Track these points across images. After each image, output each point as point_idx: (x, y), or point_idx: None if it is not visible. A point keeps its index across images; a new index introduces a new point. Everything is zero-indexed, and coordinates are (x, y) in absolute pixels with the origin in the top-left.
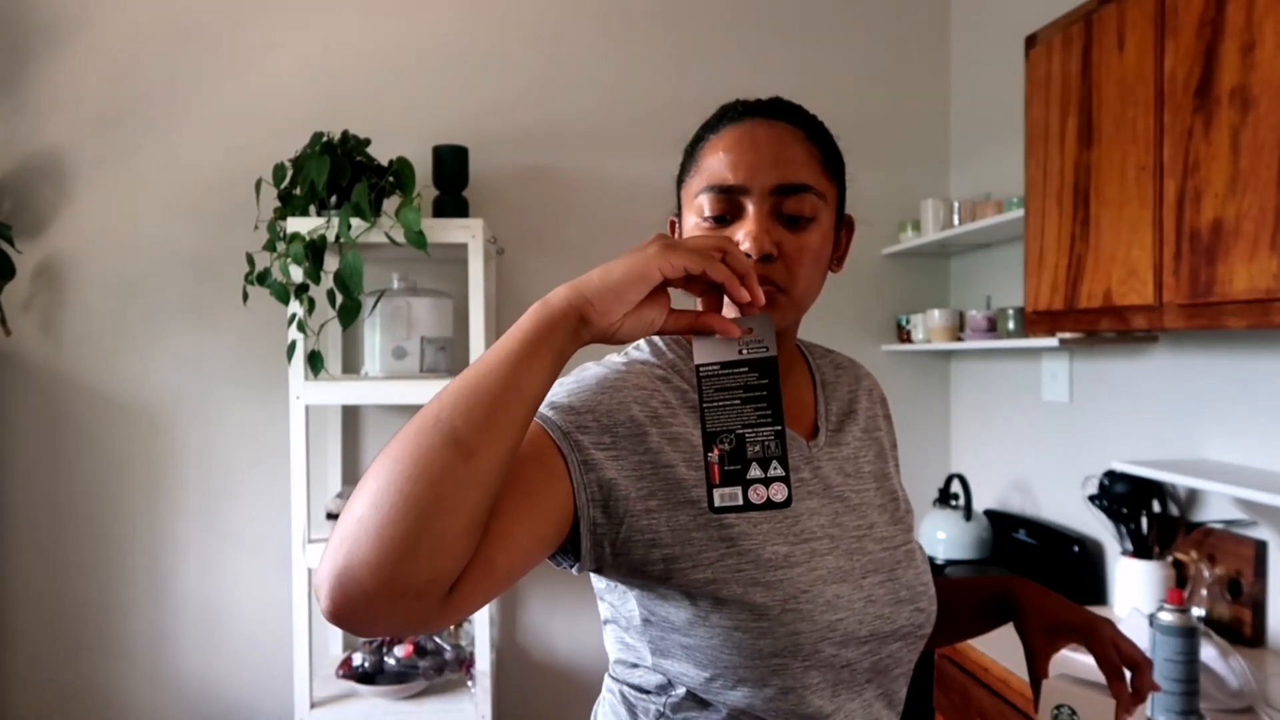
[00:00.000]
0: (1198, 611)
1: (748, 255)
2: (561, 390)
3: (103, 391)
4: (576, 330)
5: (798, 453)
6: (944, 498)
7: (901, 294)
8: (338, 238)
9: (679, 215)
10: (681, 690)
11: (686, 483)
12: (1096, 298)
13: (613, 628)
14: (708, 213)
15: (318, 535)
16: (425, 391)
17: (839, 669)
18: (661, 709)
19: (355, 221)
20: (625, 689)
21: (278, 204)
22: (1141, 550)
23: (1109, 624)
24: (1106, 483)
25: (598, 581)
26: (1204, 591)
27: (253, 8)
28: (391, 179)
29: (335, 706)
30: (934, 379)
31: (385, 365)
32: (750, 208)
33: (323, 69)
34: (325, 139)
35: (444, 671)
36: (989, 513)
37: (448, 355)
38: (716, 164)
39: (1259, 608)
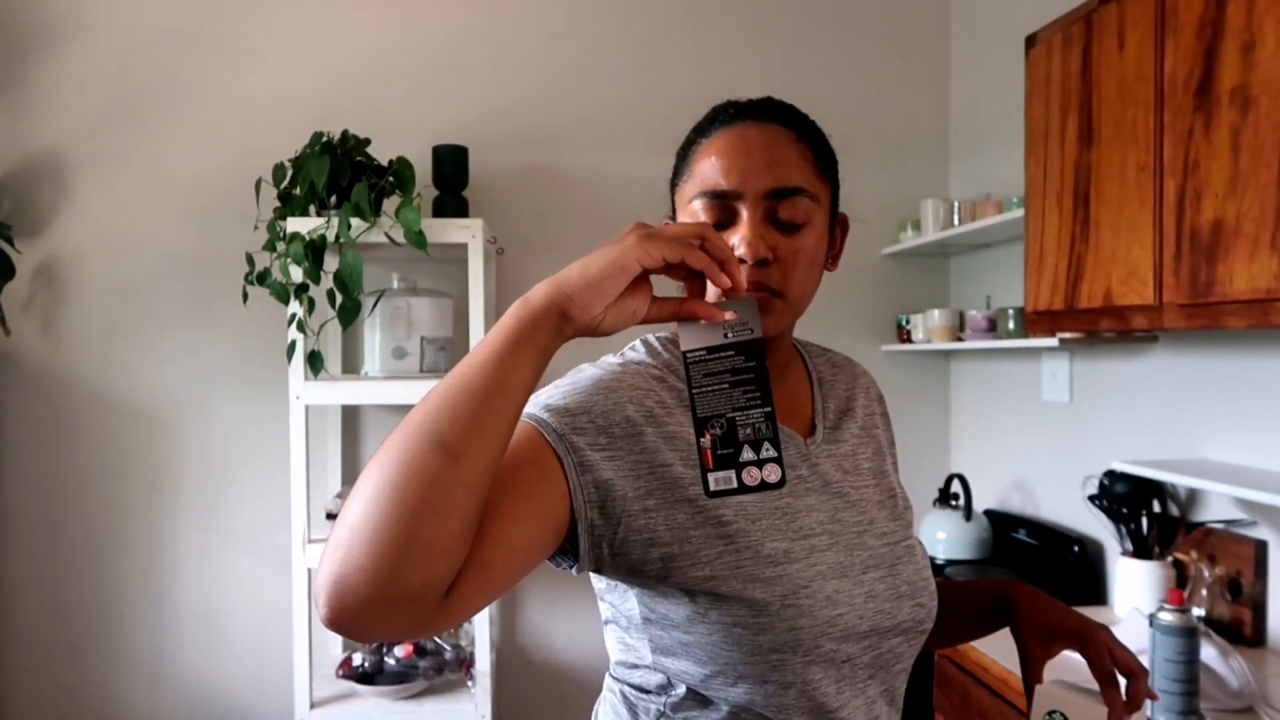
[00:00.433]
0: (1198, 611)
1: (742, 261)
2: (557, 392)
3: (102, 391)
4: (559, 326)
5: (795, 450)
6: (944, 498)
7: (901, 294)
8: (338, 238)
9: (673, 218)
10: (682, 689)
11: (683, 481)
12: (1096, 298)
13: (613, 628)
14: (702, 218)
15: (318, 535)
16: (425, 391)
17: (840, 664)
18: (662, 708)
19: (355, 221)
20: (626, 689)
21: (278, 204)
22: (1141, 550)
23: (1105, 630)
24: (1106, 483)
25: (598, 582)
26: (1204, 591)
27: (253, 8)
28: (391, 179)
29: (335, 706)
30: (934, 379)
31: (385, 365)
32: (744, 212)
33: (323, 69)
34: (325, 139)
35: (444, 671)
36: (989, 513)
37: (448, 355)
38: (709, 169)
39: (1259, 608)
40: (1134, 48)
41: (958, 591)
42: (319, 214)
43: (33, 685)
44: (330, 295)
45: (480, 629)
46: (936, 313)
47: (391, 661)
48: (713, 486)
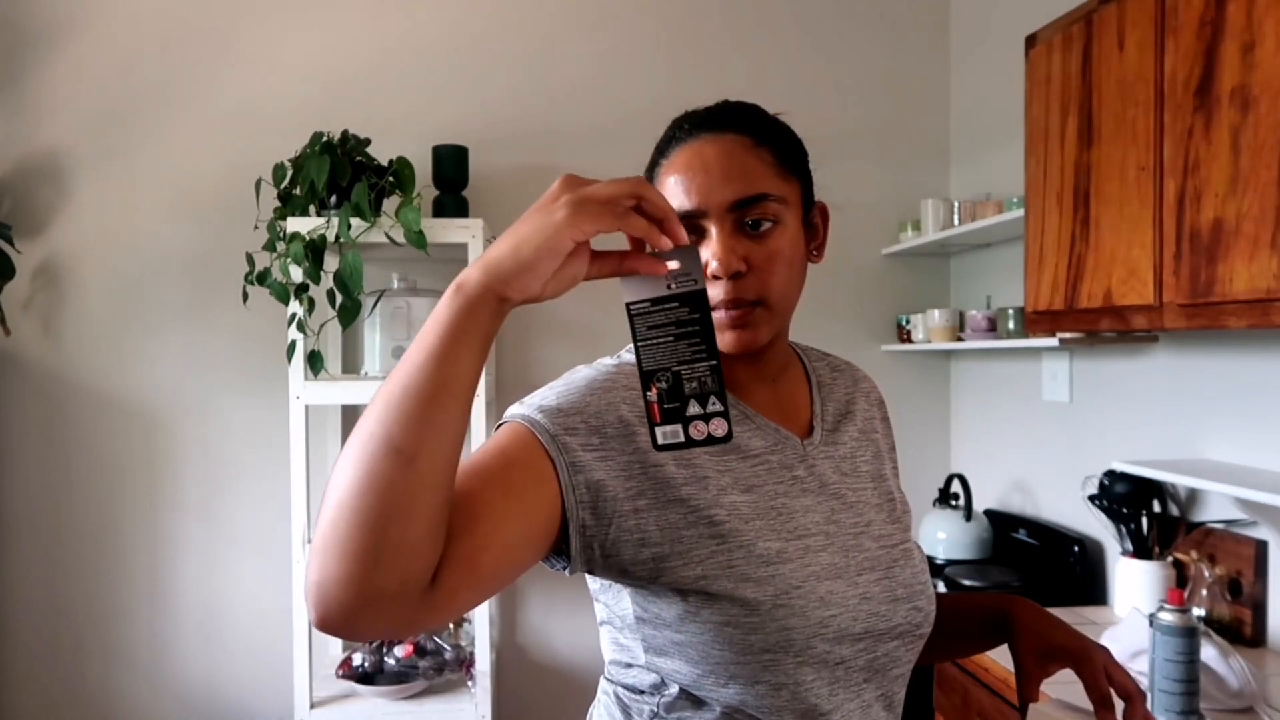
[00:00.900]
0: (1198, 611)
1: (717, 278)
2: (551, 393)
3: (103, 391)
4: (498, 309)
5: (792, 451)
6: (944, 498)
7: (901, 294)
8: (338, 238)
9: None
10: (675, 689)
11: (675, 481)
12: (1096, 298)
13: (607, 628)
14: None
15: (315, 529)
16: None
17: (833, 666)
18: (655, 709)
19: (355, 221)
20: (620, 689)
21: (278, 204)
22: (1141, 550)
23: (1103, 651)
24: (1106, 483)
25: (592, 583)
26: (1204, 591)
27: (253, 8)
28: (391, 179)
29: (335, 706)
30: (934, 379)
31: (385, 365)
32: (712, 229)
33: (323, 69)
34: (325, 139)
35: (444, 671)
36: (989, 513)
37: None
38: (671, 190)
39: (1259, 608)
40: (1134, 48)
41: (955, 606)
42: (319, 214)
43: (33, 685)
44: (330, 295)
45: (480, 629)
46: (936, 313)
47: (391, 661)
48: (660, 440)
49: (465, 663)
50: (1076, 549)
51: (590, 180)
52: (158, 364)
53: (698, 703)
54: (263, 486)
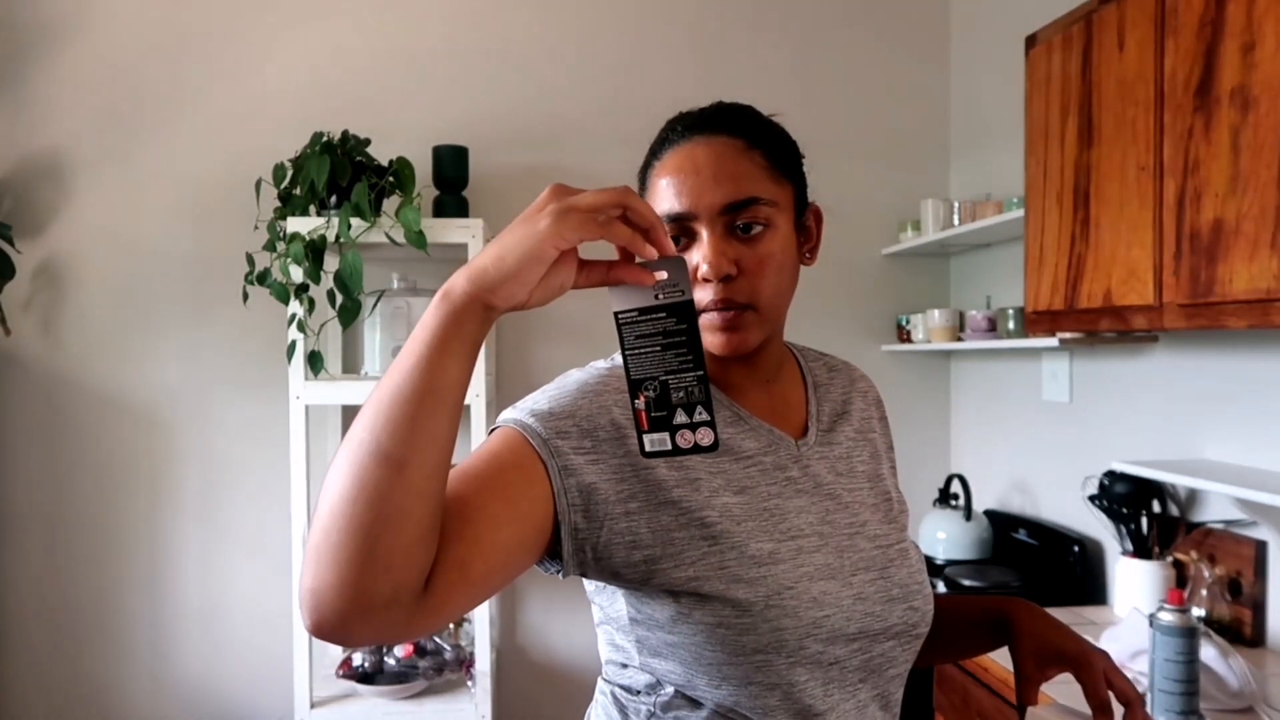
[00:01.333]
0: (1198, 611)
1: (707, 280)
2: (543, 397)
3: (103, 391)
4: (483, 316)
5: (786, 452)
6: (944, 498)
7: (901, 294)
8: (338, 238)
9: None
10: (670, 690)
11: (667, 483)
12: (1096, 298)
13: (604, 629)
14: None
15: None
16: None
17: (827, 666)
18: (652, 709)
19: (355, 221)
20: (616, 690)
21: (278, 204)
22: (1141, 550)
23: (1103, 656)
24: (1106, 483)
25: (588, 584)
26: (1204, 591)
27: (253, 8)
28: (391, 179)
29: (335, 706)
30: (934, 379)
31: (385, 365)
32: (702, 231)
33: (322, 69)
34: (325, 139)
35: (444, 671)
36: (989, 513)
37: None
38: (662, 192)
39: (1259, 608)
40: (1134, 48)
41: (956, 608)
42: (319, 214)
43: (33, 685)
44: (330, 295)
45: (480, 629)
46: (936, 313)
47: (391, 661)
48: (648, 448)
49: (465, 663)
50: (1076, 549)
51: (578, 189)
52: (158, 364)
53: (693, 703)
54: (263, 486)
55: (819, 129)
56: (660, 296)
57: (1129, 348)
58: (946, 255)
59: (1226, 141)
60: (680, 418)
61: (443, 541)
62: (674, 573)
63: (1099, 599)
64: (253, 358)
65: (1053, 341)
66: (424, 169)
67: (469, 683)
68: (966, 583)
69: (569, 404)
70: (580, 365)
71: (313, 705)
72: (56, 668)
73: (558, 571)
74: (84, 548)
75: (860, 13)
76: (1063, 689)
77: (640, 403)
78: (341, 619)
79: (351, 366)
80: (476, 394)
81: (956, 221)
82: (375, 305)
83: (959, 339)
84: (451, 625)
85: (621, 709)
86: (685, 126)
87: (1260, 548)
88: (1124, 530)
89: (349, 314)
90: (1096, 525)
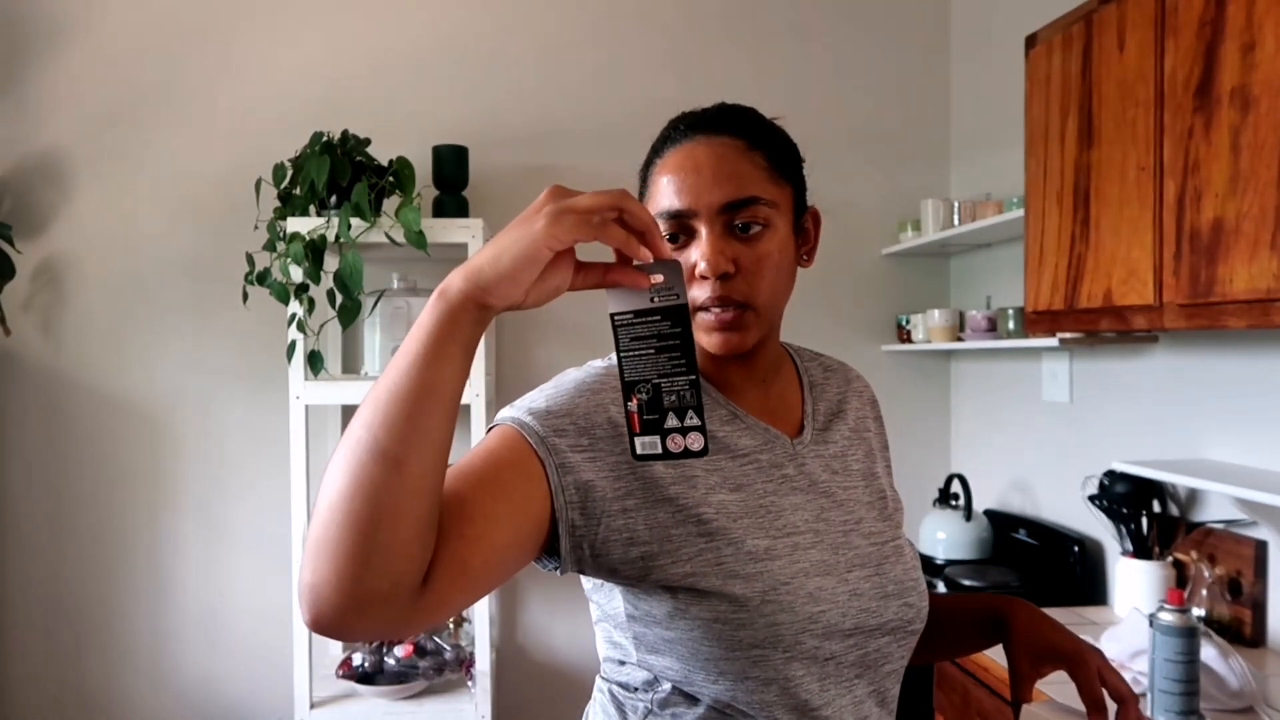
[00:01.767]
0: (1198, 611)
1: (704, 277)
2: (540, 396)
3: (103, 391)
4: (479, 316)
5: (782, 450)
6: (944, 498)
7: (901, 294)
8: (338, 238)
9: None
10: (668, 686)
11: (664, 480)
12: (1096, 298)
13: (601, 627)
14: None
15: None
16: None
17: (823, 662)
18: (649, 705)
19: (355, 221)
20: (614, 687)
21: (278, 204)
22: (1141, 550)
23: (1097, 654)
24: (1106, 483)
25: (586, 582)
26: (1204, 591)
27: (253, 8)
28: (391, 179)
29: (335, 706)
30: (934, 379)
31: (385, 365)
32: (702, 230)
33: (323, 69)
34: (325, 139)
35: (444, 671)
36: (989, 513)
37: None
38: (663, 189)
39: (1259, 608)
40: (1134, 48)
41: (953, 605)
42: (319, 214)
43: (33, 685)
44: (330, 295)
45: (480, 629)
46: (936, 313)
47: (391, 661)
48: (639, 450)
49: (465, 663)
50: (1076, 549)
51: (576, 191)
52: (158, 364)
53: (690, 699)
54: (263, 486)
55: (819, 129)
56: (655, 300)
57: (1129, 348)
58: (946, 255)
59: (1226, 141)
60: (671, 421)
61: (441, 538)
62: (671, 569)
63: (1099, 599)
64: (253, 358)
65: (1053, 341)
66: (424, 169)
67: (469, 683)
68: (966, 583)
69: (566, 402)
70: (579, 365)
71: (312, 705)
72: (57, 667)
73: (555, 568)
74: (84, 548)
75: (860, 13)
76: (1059, 689)
77: (633, 405)
78: (340, 614)
79: (351, 366)
80: (476, 394)
81: (956, 221)
82: (375, 305)
83: (959, 339)
84: (451, 625)
85: (619, 706)
86: (688, 125)
87: (1260, 548)
88: (1124, 530)
89: (349, 314)
90: (1096, 525)
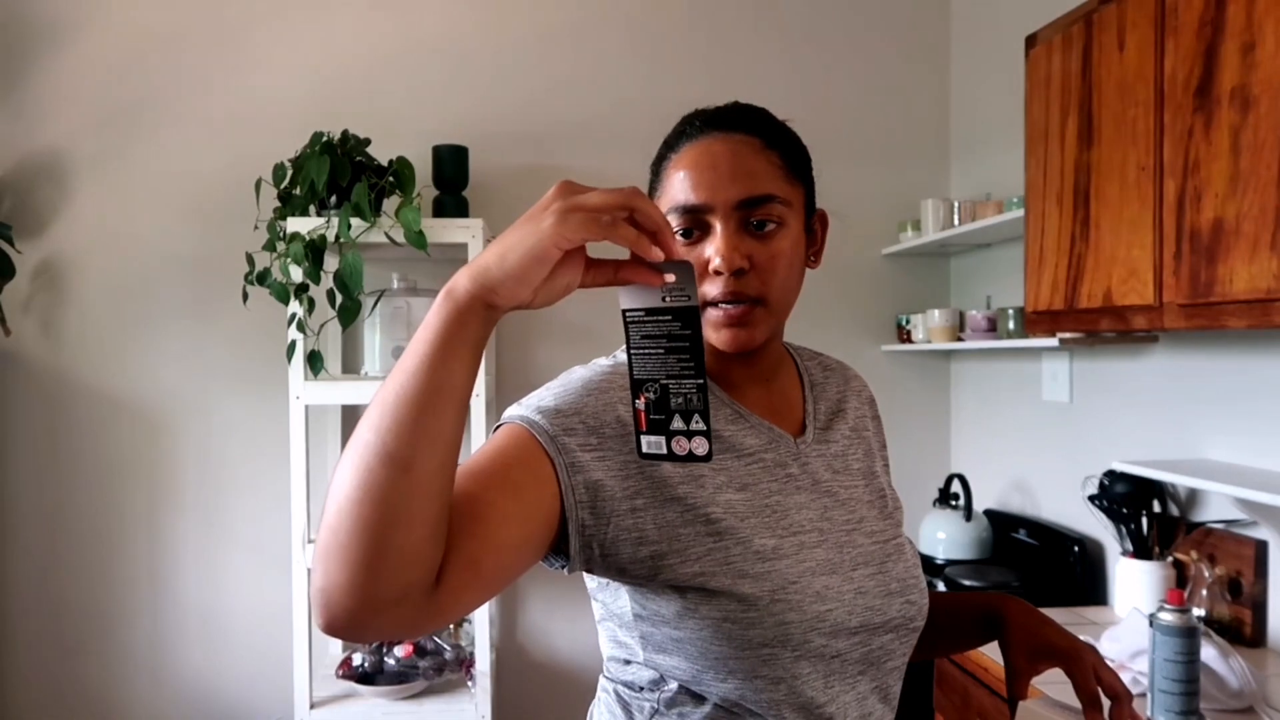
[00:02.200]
0: (1198, 611)
1: (719, 273)
2: (548, 394)
3: (103, 391)
4: (486, 315)
5: (785, 449)
6: (944, 498)
7: (901, 294)
8: (338, 238)
9: None
10: (674, 685)
11: (672, 480)
12: (1096, 298)
13: (606, 626)
14: (676, 234)
15: (317, 535)
16: None
17: (829, 659)
18: (655, 705)
19: (355, 221)
20: (619, 687)
21: (278, 204)
22: (1141, 550)
23: (1092, 651)
24: (1106, 483)
25: (590, 581)
26: (1204, 591)
27: (253, 8)
28: (391, 179)
29: (335, 706)
30: (934, 379)
31: (385, 365)
32: (717, 225)
33: (323, 69)
34: (325, 139)
35: (444, 671)
36: (989, 513)
37: None
38: (678, 184)
39: (1259, 608)
40: (1134, 48)
41: (951, 603)
42: (319, 214)
43: (33, 685)
44: (330, 295)
45: (480, 629)
46: (936, 313)
47: (391, 661)
48: (645, 449)
49: (465, 663)
50: (1076, 549)
51: (586, 188)
52: (158, 364)
53: (697, 698)
54: (263, 486)
55: (819, 129)
56: (667, 299)
57: (1129, 348)
58: (946, 255)
59: (1226, 141)
60: (677, 424)
61: (452, 539)
62: (680, 568)
63: (1099, 599)
64: (253, 358)
65: (1053, 341)
66: (424, 169)
67: (469, 683)
68: (967, 583)
69: (575, 401)
70: (581, 364)
71: (312, 705)
72: (56, 667)
73: (563, 567)
74: (84, 547)
75: (860, 13)
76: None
77: (640, 403)
78: (352, 618)
79: (351, 367)
80: (477, 394)
81: (956, 221)
82: (375, 305)
83: (959, 339)
84: (451, 625)
85: (625, 706)
86: (704, 122)
87: (1260, 548)
88: (1124, 530)
89: (349, 314)
90: (1096, 525)
